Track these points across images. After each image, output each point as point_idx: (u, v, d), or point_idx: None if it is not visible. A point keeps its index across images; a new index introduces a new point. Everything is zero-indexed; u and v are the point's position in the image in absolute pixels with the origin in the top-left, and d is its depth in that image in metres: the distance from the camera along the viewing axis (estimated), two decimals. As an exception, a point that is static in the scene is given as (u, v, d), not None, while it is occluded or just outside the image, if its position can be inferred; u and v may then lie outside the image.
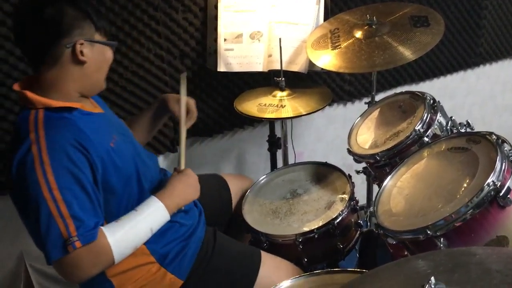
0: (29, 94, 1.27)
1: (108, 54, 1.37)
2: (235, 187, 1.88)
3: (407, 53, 1.74)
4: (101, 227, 1.22)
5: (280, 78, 1.98)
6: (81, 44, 1.28)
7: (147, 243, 1.38)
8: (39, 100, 1.26)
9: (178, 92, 2.15)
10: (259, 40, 2.04)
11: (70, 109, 1.28)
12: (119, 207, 1.33)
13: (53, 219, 1.16)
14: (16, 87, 1.31)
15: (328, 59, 1.87)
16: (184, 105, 1.65)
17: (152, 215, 1.32)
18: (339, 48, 1.88)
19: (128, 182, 1.36)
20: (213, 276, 1.47)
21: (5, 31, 1.78)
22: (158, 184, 1.48)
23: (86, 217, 1.19)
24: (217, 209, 1.78)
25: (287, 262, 1.60)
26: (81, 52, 1.28)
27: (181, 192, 1.41)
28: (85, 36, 1.29)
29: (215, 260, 1.49)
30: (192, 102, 1.71)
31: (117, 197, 1.33)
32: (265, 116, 1.90)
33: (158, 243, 1.42)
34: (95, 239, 1.19)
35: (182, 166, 1.51)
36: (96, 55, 1.32)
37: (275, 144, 2.28)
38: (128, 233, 1.26)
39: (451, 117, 1.69)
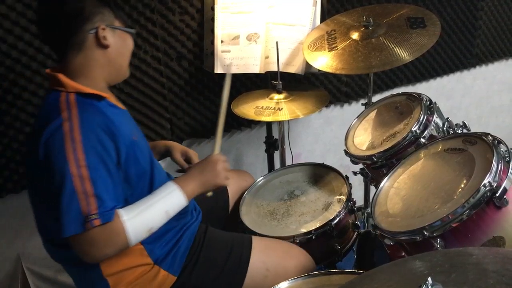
0: (62, 76, 1.32)
1: (128, 40, 1.43)
2: (232, 185, 1.87)
3: (404, 55, 1.75)
4: (117, 209, 1.25)
5: (277, 81, 1.98)
6: (103, 29, 1.34)
7: (146, 243, 1.39)
8: (70, 83, 1.31)
9: (175, 92, 2.17)
10: (256, 42, 2.04)
11: (98, 98, 1.34)
12: (131, 198, 1.36)
13: (76, 195, 1.18)
14: (48, 71, 1.36)
15: (324, 61, 1.87)
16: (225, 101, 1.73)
17: (167, 198, 1.35)
18: (336, 49, 1.89)
19: (142, 177, 1.40)
20: (206, 267, 1.48)
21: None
22: None
23: (107, 197, 1.22)
24: (213, 208, 1.78)
25: (277, 241, 1.60)
26: (104, 37, 1.34)
27: (198, 176, 1.43)
28: (106, 22, 1.35)
29: (206, 251, 1.50)
30: (193, 154, 1.73)
31: (130, 189, 1.36)
32: (262, 119, 1.91)
33: (157, 244, 1.42)
34: (112, 220, 1.21)
35: (215, 152, 1.56)
36: (117, 41, 1.38)
37: (273, 145, 2.28)
38: (143, 215, 1.29)
39: (447, 118, 1.70)
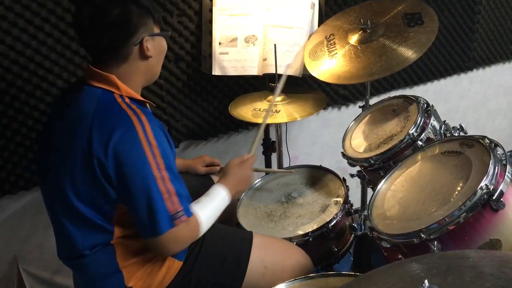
0: (117, 79, 1.31)
1: (164, 44, 1.43)
2: None
3: (404, 56, 1.74)
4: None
5: (275, 84, 1.98)
6: (146, 40, 1.33)
7: None
8: (124, 88, 1.32)
9: (172, 94, 2.17)
10: (254, 44, 2.05)
11: (144, 105, 1.37)
12: None
13: (161, 196, 1.25)
14: (97, 70, 1.32)
15: (326, 70, 1.87)
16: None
17: (223, 201, 1.47)
18: (336, 56, 1.88)
19: None
20: (207, 258, 1.49)
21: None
22: None
23: (185, 194, 1.31)
24: None
25: (277, 239, 1.61)
26: (147, 47, 1.34)
27: (238, 184, 1.55)
28: (148, 32, 1.34)
29: (208, 243, 1.51)
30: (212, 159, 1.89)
31: None
32: (259, 121, 1.91)
33: None
34: (192, 214, 1.33)
35: (251, 153, 1.67)
36: (156, 47, 1.38)
37: (270, 147, 2.28)
38: (210, 212, 1.42)
39: (444, 121, 1.70)
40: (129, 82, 1.35)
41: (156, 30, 1.38)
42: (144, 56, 1.34)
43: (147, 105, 1.41)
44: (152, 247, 1.34)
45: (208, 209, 1.41)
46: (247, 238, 1.55)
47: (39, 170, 1.41)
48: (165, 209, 1.26)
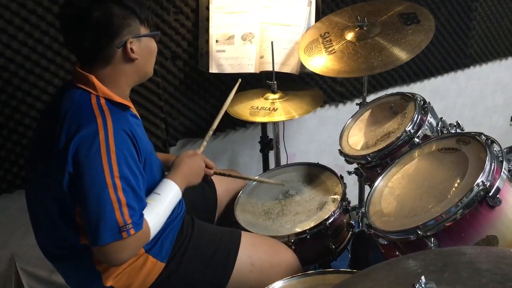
0: (95, 79, 1.30)
1: (153, 45, 1.40)
2: (221, 181, 1.87)
3: (402, 54, 1.75)
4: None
5: (272, 81, 1.98)
6: (131, 42, 1.30)
7: None
8: (102, 89, 1.30)
9: (169, 92, 2.17)
10: (251, 42, 2.04)
11: (125, 108, 1.34)
12: None
13: (111, 205, 1.21)
14: (79, 69, 1.32)
15: (324, 65, 1.86)
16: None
17: (174, 199, 1.42)
18: (334, 52, 1.88)
19: (148, 192, 1.39)
20: (194, 257, 1.49)
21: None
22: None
23: (137, 206, 1.26)
24: (198, 200, 1.79)
25: (265, 237, 1.61)
26: (131, 49, 1.31)
27: (189, 177, 1.50)
28: (133, 33, 1.31)
29: (194, 242, 1.51)
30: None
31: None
32: (257, 120, 1.91)
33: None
34: (143, 227, 1.27)
35: (200, 151, 1.65)
36: (143, 49, 1.35)
37: (267, 145, 2.28)
38: (160, 216, 1.36)
39: (441, 118, 1.70)
40: (114, 84, 1.33)
41: (144, 30, 1.35)
42: (128, 58, 1.32)
43: (132, 107, 1.39)
44: (96, 254, 1.28)
45: (158, 212, 1.35)
46: (235, 236, 1.55)
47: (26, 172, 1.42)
48: (113, 219, 1.21)
